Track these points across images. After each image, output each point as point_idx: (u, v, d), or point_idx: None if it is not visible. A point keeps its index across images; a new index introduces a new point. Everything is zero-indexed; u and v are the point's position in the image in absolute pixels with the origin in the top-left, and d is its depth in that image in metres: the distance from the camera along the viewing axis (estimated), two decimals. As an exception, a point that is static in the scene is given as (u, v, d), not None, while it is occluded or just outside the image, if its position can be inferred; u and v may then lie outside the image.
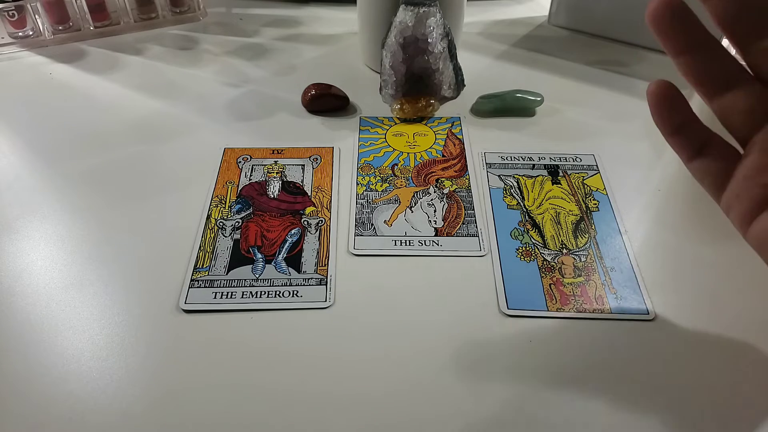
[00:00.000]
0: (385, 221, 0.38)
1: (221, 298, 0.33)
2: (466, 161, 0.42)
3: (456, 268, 0.35)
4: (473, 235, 0.37)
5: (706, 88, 0.24)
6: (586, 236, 0.36)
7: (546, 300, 0.33)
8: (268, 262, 0.35)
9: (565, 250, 0.36)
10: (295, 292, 0.33)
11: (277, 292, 0.33)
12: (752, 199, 0.23)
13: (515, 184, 0.40)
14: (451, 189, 0.40)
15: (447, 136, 0.45)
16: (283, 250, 0.36)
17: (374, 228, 0.37)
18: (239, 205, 0.39)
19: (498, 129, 0.46)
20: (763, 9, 0.22)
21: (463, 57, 0.47)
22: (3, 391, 0.29)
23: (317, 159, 0.42)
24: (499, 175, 0.41)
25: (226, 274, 0.34)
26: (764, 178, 0.23)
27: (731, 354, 0.30)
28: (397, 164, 0.42)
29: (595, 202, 0.39)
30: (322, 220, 0.38)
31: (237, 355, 0.30)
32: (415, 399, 0.28)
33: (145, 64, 0.54)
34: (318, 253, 0.36)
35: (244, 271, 0.34)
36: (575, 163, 0.42)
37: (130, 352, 0.30)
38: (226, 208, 0.38)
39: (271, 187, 0.40)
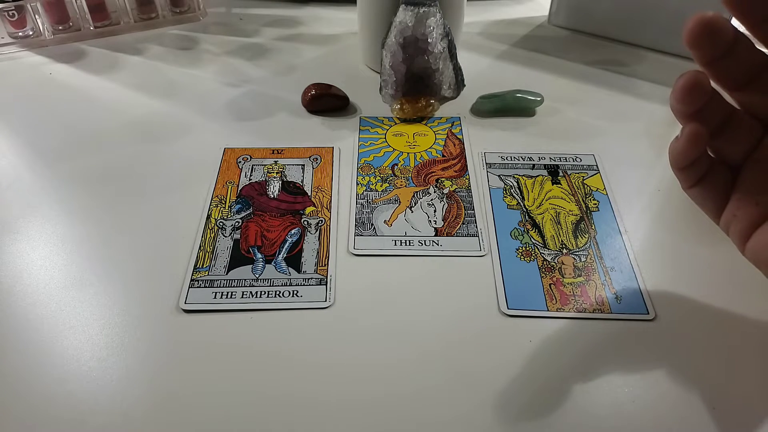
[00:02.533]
0: (385, 221, 0.38)
1: (221, 298, 0.33)
2: (466, 161, 0.42)
3: (456, 268, 0.35)
4: (473, 235, 0.37)
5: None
6: (586, 236, 0.36)
7: (546, 300, 0.33)
8: (268, 262, 0.35)
9: (565, 250, 0.36)
10: (295, 292, 0.33)
11: (277, 292, 0.33)
12: (748, 217, 0.25)
13: (515, 184, 0.40)
14: (451, 189, 0.40)
15: (447, 136, 0.45)
16: (283, 250, 0.36)
17: (374, 228, 0.37)
18: (239, 205, 0.39)
19: (498, 129, 0.46)
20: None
21: (463, 57, 0.47)
22: (3, 392, 0.29)
23: (317, 159, 0.42)
24: (499, 175, 0.41)
25: (226, 274, 0.34)
26: (757, 197, 0.25)
27: (731, 354, 0.30)
28: (397, 164, 0.42)
29: (595, 202, 0.39)
30: (322, 220, 0.38)
31: (237, 355, 0.30)
32: (414, 399, 0.28)
33: (145, 64, 0.54)
34: (318, 253, 0.36)
35: (244, 271, 0.34)
36: (575, 163, 0.42)
37: (130, 352, 0.30)
38: (226, 208, 0.38)
39: (271, 187, 0.40)
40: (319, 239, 0.36)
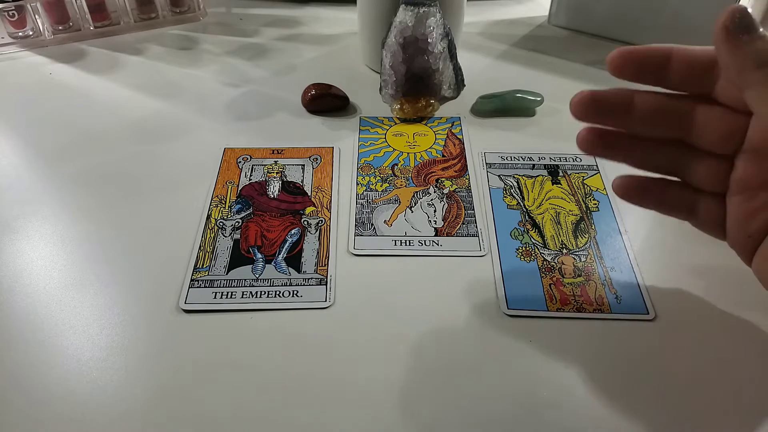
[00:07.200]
0: (385, 221, 0.38)
1: (221, 298, 0.33)
2: (466, 161, 0.42)
3: (456, 268, 0.35)
4: (473, 235, 0.37)
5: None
6: (586, 236, 0.36)
7: (546, 300, 0.33)
8: (268, 262, 0.35)
9: (565, 250, 0.36)
10: (295, 292, 0.33)
11: (277, 292, 0.33)
12: (745, 246, 0.28)
13: (515, 184, 0.40)
14: (451, 189, 0.40)
15: (447, 136, 0.45)
16: (283, 250, 0.36)
17: (374, 228, 0.37)
18: (239, 205, 0.39)
19: (498, 129, 0.46)
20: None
21: (463, 57, 0.47)
22: (3, 391, 0.29)
23: (317, 159, 0.42)
24: (499, 175, 0.41)
25: (226, 274, 0.34)
26: (747, 230, 0.27)
27: (731, 354, 0.30)
28: (397, 164, 0.42)
29: (595, 202, 0.39)
30: (322, 220, 0.38)
31: (237, 355, 0.30)
32: (415, 399, 0.28)
33: (145, 64, 0.54)
34: (318, 253, 0.36)
35: (244, 271, 0.34)
36: (575, 163, 0.42)
37: (130, 352, 0.30)
38: (226, 208, 0.38)
39: (271, 187, 0.40)
40: (319, 239, 0.36)
